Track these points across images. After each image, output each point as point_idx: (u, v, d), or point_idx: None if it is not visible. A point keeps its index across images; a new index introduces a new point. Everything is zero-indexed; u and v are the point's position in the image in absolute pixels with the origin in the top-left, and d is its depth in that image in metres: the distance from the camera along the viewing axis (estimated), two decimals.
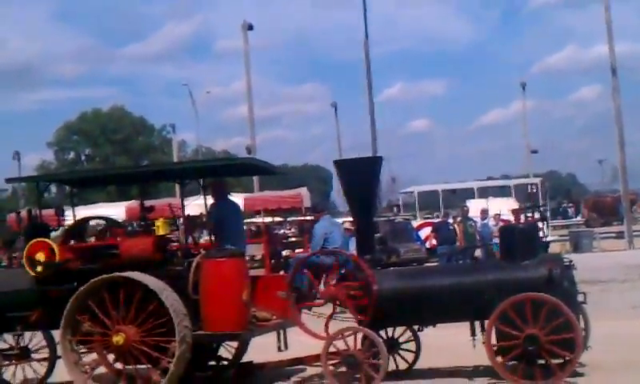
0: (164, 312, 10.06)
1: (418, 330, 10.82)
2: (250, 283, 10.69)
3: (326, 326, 10.33)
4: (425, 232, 35.75)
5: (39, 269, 10.43)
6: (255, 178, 49.84)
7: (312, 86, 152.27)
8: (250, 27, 46.29)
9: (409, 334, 10.94)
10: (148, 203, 11.28)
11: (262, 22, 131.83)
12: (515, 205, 37.80)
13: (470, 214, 29.51)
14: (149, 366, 10.33)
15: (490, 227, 27.92)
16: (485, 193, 44.17)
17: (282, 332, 10.99)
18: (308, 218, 35.48)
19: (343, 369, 10.16)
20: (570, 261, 10.21)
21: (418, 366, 10.96)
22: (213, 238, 11.28)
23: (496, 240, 27.10)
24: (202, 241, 11.85)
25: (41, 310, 10.65)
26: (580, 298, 10.23)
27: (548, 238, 40.93)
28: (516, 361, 9.70)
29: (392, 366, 10.84)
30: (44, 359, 11.49)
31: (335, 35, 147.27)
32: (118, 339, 10.20)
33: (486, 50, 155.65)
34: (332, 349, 10.10)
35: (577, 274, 10.21)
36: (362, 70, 45.99)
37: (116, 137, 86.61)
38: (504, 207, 35.71)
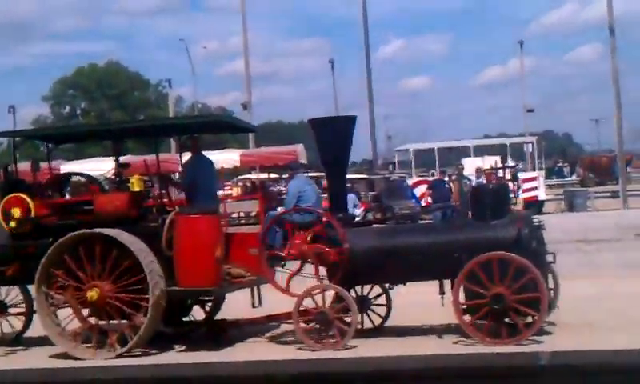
0: (138, 268, 10.27)
1: (389, 288, 11.01)
2: (225, 240, 10.87)
3: (287, 282, 10.52)
4: (420, 190, 35.88)
5: (12, 223, 10.62)
6: (251, 135, 50.04)
7: (311, 42, 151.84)
8: None
9: (379, 291, 11.13)
10: (124, 159, 11.45)
11: None
12: (511, 163, 38.06)
13: (466, 173, 29.74)
14: (122, 321, 10.55)
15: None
16: (481, 151, 44.27)
17: (255, 289, 11.20)
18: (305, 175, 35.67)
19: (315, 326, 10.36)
20: (540, 221, 10.39)
21: (389, 323, 11.18)
22: (186, 195, 11.45)
23: None
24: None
25: (17, 264, 10.86)
26: (549, 258, 10.44)
27: (543, 197, 41.42)
28: (484, 320, 9.89)
29: (366, 324, 11.13)
30: (21, 313, 11.68)
31: None
32: (92, 294, 10.42)
33: (485, 6, 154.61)
34: (303, 306, 10.29)
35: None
36: (360, 27, 46.00)
37: (112, 92, 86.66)
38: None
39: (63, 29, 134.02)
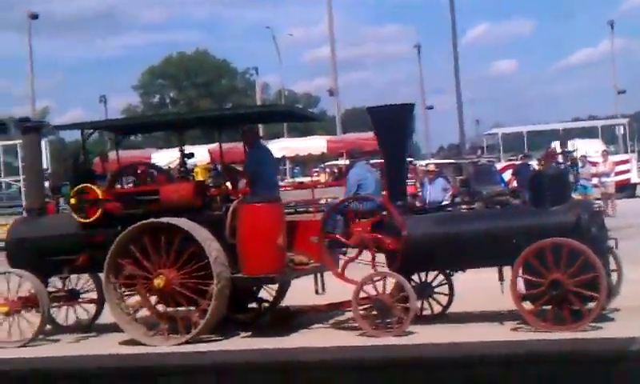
0: (203, 256, 10.62)
1: (450, 274, 11.15)
2: (288, 228, 11.17)
3: (343, 268, 10.73)
4: (508, 174, 35.72)
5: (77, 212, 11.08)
6: (338, 121, 50.42)
7: (396, 27, 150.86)
8: None
9: (442, 278, 11.28)
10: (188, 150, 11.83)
11: None
12: (602, 146, 37.54)
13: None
14: (189, 308, 10.93)
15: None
16: (571, 134, 43.74)
17: (319, 276, 11.47)
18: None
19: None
20: (600, 207, 10.38)
21: (451, 310, 11.33)
22: (248, 184, 11.75)
23: (583, 182, 27.31)
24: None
25: (86, 253, 11.32)
26: (611, 243, 10.46)
27: (635, 180, 40.70)
28: (545, 306, 9.97)
29: (427, 311, 11.32)
30: (92, 301, 12.18)
31: None
32: (158, 282, 10.79)
33: None
34: (363, 293, 10.51)
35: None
36: (446, 11, 45.83)
37: (200, 80, 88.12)
38: (590, 149, 35.55)
39: (152, 19, 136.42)
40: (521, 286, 10.11)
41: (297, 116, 13.23)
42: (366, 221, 10.84)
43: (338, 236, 10.89)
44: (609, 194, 27.96)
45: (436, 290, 11.39)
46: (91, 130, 11.91)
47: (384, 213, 10.82)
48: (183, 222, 10.75)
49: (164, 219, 10.80)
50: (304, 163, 45.61)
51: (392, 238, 10.55)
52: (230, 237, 10.82)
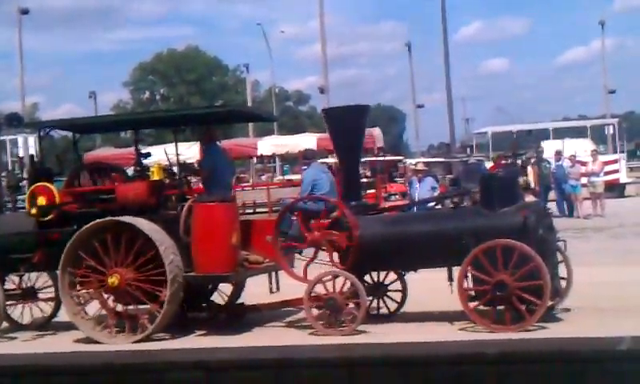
0: (158, 254, 10.84)
1: (403, 273, 11.38)
2: (244, 227, 11.40)
3: (304, 269, 10.96)
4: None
5: (33, 210, 11.30)
6: None
7: (388, 24, 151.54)
8: None
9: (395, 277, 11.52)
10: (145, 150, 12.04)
11: None
12: (592, 146, 37.83)
13: (545, 156, 29.77)
14: (143, 306, 11.14)
15: (564, 168, 28.24)
16: (560, 134, 44.05)
17: (273, 275, 11.69)
18: (380, 158, 36.02)
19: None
20: (548, 208, 10.61)
21: (406, 309, 11.56)
22: (203, 184, 11.96)
23: (571, 181, 27.58)
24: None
25: (42, 251, 11.52)
26: (560, 245, 10.70)
27: (624, 180, 41.00)
28: (489, 306, 10.21)
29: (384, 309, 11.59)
30: (50, 299, 12.38)
31: None
32: (113, 280, 11.01)
33: None
34: (314, 293, 10.73)
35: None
36: (438, 8, 45.99)
37: (190, 77, 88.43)
38: (580, 148, 35.84)
39: (143, 15, 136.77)
40: (470, 286, 10.32)
41: (258, 117, 13.43)
42: (320, 220, 11.04)
43: (289, 236, 11.11)
44: (598, 193, 28.25)
45: (390, 289, 11.59)
46: (48, 129, 12.09)
47: (338, 213, 11.02)
48: (137, 221, 10.96)
49: (118, 218, 11.01)
50: (294, 161, 45.76)
51: (344, 237, 10.76)
52: (184, 235, 11.03)
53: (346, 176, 11.43)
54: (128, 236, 10.96)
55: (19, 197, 16.56)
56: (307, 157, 12.93)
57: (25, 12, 51.40)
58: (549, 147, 34.86)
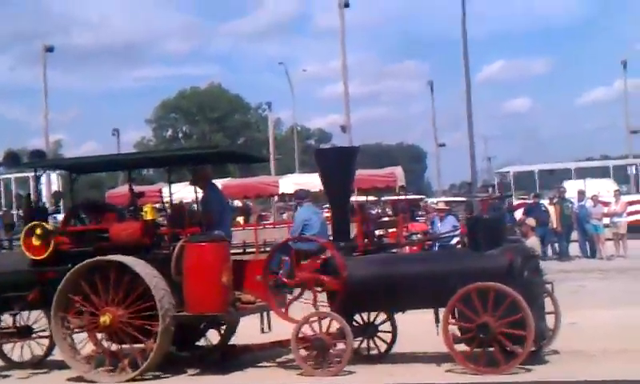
0: (149, 294, 11.08)
1: (392, 314, 11.56)
2: (236, 267, 11.63)
3: (286, 308, 11.16)
4: (519, 213, 36.05)
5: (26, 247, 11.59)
6: None
7: (411, 63, 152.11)
8: (347, 5, 47.29)
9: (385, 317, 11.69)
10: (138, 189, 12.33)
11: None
12: (614, 186, 37.82)
13: (567, 196, 29.79)
14: (135, 344, 11.36)
15: (587, 209, 28.22)
16: (583, 173, 44.01)
17: (265, 315, 11.89)
18: (402, 197, 36.19)
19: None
20: (535, 251, 10.78)
21: (396, 349, 11.73)
22: (203, 224, 12.18)
23: (593, 222, 27.60)
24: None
25: (38, 290, 11.79)
26: (548, 287, 10.87)
27: None
28: (477, 348, 10.35)
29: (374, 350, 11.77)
30: (45, 337, 12.63)
31: (436, 11, 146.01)
32: (104, 319, 11.25)
33: (591, 26, 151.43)
34: (302, 333, 10.92)
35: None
36: (460, 48, 46.28)
37: (213, 115, 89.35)
38: (602, 188, 35.81)
39: (167, 53, 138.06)
40: (455, 328, 10.48)
41: (243, 158, 13.73)
42: (310, 261, 11.25)
43: (280, 276, 11.32)
44: (621, 234, 28.17)
45: (380, 329, 11.76)
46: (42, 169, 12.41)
47: (328, 254, 11.24)
48: (129, 260, 11.21)
49: (110, 257, 11.28)
50: (315, 199, 46.02)
51: (333, 278, 10.96)
52: (175, 275, 11.26)
53: (335, 217, 11.64)
54: (120, 275, 11.20)
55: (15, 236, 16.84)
56: (300, 197, 13.18)
57: (50, 50, 52.19)
58: (571, 187, 34.83)
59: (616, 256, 27.23)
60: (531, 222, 13.28)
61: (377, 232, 29.89)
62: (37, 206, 12.52)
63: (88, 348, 11.65)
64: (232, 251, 12.02)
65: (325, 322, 10.94)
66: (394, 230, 28.88)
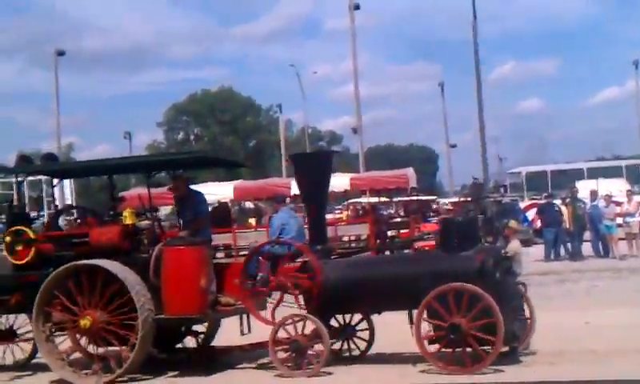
0: (129, 296, 11.36)
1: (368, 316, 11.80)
2: (218, 270, 11.92)
3: (272, 313, 11.43)
4: (532, 213, 36.18)
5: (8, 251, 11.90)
6: (361, 158, 51.16)
7: (421, 65, 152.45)
8: (357, 7, 47.64)
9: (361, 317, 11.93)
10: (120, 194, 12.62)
11: (373, 1, 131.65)
12: (626, 186, 37.86)
13: (580, 196, 29.90)
14: (118, 347, 11.62)
15: (599, 209, 28.31)
16: (595, 173, 44.02)
17: (244, 317, 12.15)
18: (414, 198, 36.37)
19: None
20: (506, 252, 11.01)
21: (373, 350, 11.98)
22: (186, 229, 12.45)
23: (606, 222, 27.71)
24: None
25: (20, 293, 12.08)
26: (521, 288, 11.09)
27: None
28: (448, 348, 10.59)
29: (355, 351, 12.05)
30: (30, 339, 12.91)
31: (447, 13, 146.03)
32: (85, 322, 11.52)
33: (602, 26, 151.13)
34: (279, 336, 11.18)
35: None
36: (471, 49, 46.43)
37: (224, 117, 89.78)
38: (615, 188, 35.85)
39: (178, 56, 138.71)
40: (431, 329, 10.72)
41: (221, 162, 13.99)
42: (286, 265, 11.52)
43: (256, 284, 11.58)
44: (633, 233, 28.22)
45: (358, 330, 12.00)
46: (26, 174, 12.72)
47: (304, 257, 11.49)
48: (109, 264, 11.47)
49: (89, 261, 11.56)
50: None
51: (309, 281, 11.21)
52: (153, 278, 11.52)
53: (312, 220, 11.89)
54: (97, 279, 11.47)
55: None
56: (277, 201, 13.44)
57: (61, 53, 52.75)
58: (584, 187, 34.88)
59: (629, 256, 27.26)
60: (514, 224, 13.38)
61: (389, 233, 30.31)
62: (20, 212, 12.81)
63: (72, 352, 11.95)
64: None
65: (301, 325, 11.18)
66: (406, 230, 29.18)
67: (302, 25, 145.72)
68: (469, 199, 42.95)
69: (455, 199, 46.73)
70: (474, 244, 11.04)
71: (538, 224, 31.19)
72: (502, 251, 11.10)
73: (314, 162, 11.77)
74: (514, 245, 12.71)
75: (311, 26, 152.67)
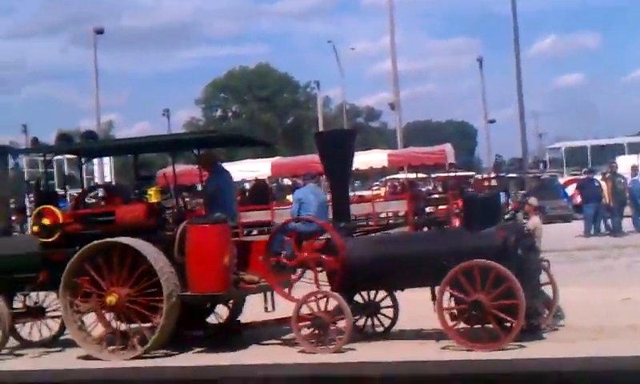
0: (155, 274, 11.54)
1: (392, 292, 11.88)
2: (241, 247, 12.05)
3: (289, 289, 11.54)
4: (572, 189, 36.03)
5: (35, 228, 12.09)
6: (399, 134, 51.13)
7: (461, 39, 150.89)
8: None
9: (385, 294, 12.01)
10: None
11: None
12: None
13: (620, 171, 29.67)
14: (142, 323, 11.83)
15: None
16: (636, 148, 43.70)
17: (268, 294, 12.28)
18: (452, 174, 36.36)
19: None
20: (529, 230, 11.02)
21: (398, 327, 12.06)
22: (206, 207, 12.60)
23: None
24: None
25: (46, 271, 12.31)
26: (544, 264, 11.10)
27: None
28: (469, 325, 10.65)
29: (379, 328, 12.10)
30: (57, 316, 13.16)
31: None
32: (111, 299, 11.74)
33: None
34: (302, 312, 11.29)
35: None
36: (510, 24, 46.07)
37: (262, 94, 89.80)
38: None
39: (216, 33, 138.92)
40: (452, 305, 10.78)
41: (244, 141, 14.10)
42: (310, 242, 11.61)
43: (281, 257, 11.69)
44: None
45: (382, 306, 12.09)
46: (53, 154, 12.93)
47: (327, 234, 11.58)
48: (134, 242, 11.66)
49: (117, 239, 11.74)
50: (365, 177, 46.35)
51: (332, 258, 11.30)
52: (178, 256, 11.68)
53: (335, 198, 11.97)
54: (123, 256, 11.67)
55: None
56: (305, 178, 13.51)
57: (100, 32, 52.96)
58: (624, 162, 34.57)
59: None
60: (533, 201, 13.30)
61: (427, 209, 30.36)
62: (46, 191, 13.01)
63: (99, 329, 12.15)
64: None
65: (324, 301, 11.29)
66: (445, 206, 29.15)
67: (340, 1, 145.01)
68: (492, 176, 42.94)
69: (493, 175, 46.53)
70: (497, 221, 11.04)
71: (578, 200, 30.93)
72: (525, 228, 11.08)
73: (337, 140, 11.83)
74: (534, 220, 12.68)
75: (349, 1, 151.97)
